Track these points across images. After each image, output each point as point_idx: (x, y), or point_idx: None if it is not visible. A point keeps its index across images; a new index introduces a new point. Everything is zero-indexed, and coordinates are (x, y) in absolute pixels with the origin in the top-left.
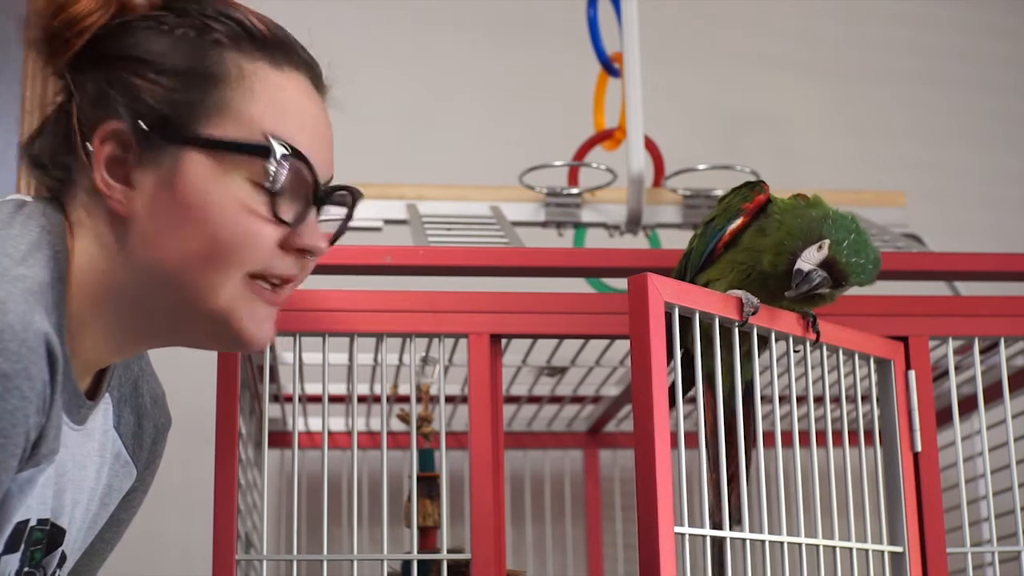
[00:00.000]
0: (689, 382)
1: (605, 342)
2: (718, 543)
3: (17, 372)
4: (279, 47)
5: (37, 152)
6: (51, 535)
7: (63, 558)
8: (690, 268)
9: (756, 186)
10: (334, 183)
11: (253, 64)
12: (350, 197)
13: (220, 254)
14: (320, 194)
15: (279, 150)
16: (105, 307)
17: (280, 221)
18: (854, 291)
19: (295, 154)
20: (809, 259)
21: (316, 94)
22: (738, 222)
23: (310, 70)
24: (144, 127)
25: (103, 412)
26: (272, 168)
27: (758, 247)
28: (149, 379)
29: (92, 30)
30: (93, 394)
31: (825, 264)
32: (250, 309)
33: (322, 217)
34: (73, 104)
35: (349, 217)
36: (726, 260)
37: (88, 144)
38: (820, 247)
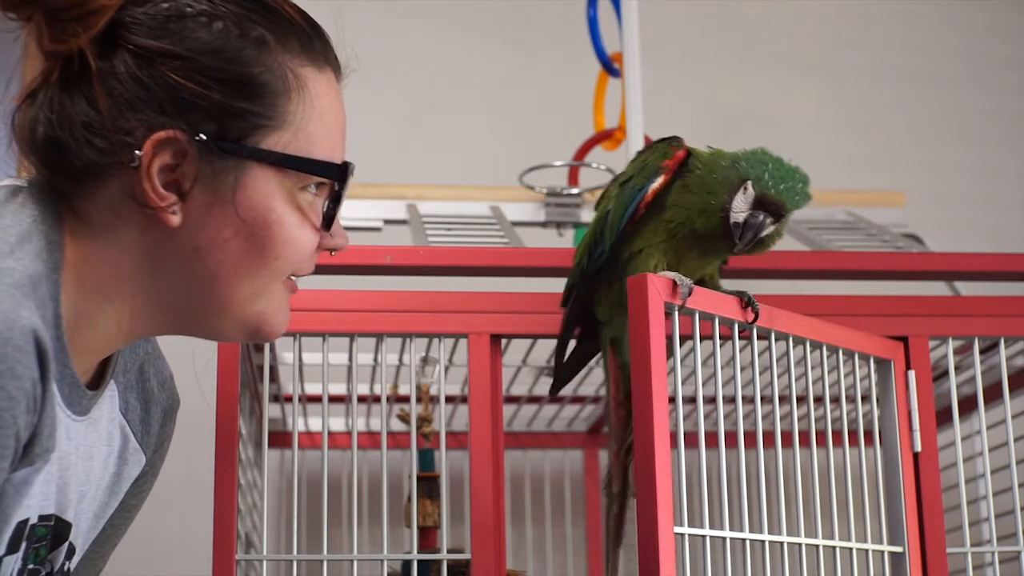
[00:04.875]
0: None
1: None
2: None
3: (2, 372)
4: (317, 43)
5: (39, 140)
6: (56, 530)
7: (71, 550)
8: (608, 233)
9: (674, 141)
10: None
11: (303, 69)
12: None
13: (274, 264)
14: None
15: (344, 170)
16: (117, 300)
17: (327, 230)
18: (854, 291)
19: (351, 170)
20: (740, 207)
21: (338, 85)
22: (660, 180)
23: (337, 62)
24: (205, 139)
25: (109, 400)
26: (337, 188)
27: (687, 204)
28: (156, 362)
29: (112, 9)
30: (96, 383)
31: (757, 203)
32: (279, 305)
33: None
34: (100, 96)
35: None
36: (652, 225)
37: (136, 151)
38: (744, 189)
